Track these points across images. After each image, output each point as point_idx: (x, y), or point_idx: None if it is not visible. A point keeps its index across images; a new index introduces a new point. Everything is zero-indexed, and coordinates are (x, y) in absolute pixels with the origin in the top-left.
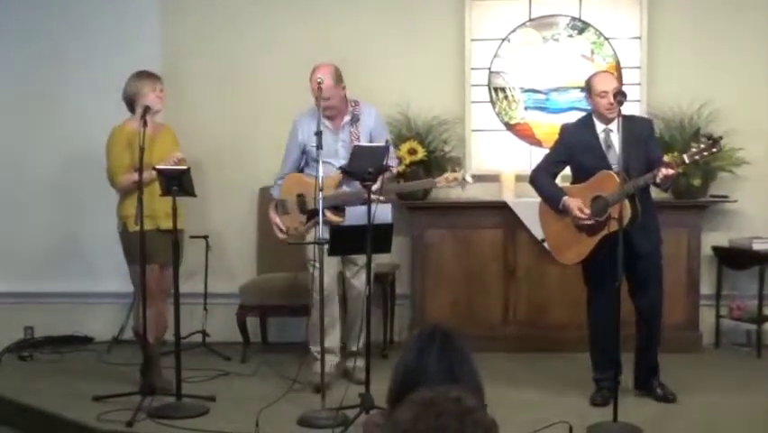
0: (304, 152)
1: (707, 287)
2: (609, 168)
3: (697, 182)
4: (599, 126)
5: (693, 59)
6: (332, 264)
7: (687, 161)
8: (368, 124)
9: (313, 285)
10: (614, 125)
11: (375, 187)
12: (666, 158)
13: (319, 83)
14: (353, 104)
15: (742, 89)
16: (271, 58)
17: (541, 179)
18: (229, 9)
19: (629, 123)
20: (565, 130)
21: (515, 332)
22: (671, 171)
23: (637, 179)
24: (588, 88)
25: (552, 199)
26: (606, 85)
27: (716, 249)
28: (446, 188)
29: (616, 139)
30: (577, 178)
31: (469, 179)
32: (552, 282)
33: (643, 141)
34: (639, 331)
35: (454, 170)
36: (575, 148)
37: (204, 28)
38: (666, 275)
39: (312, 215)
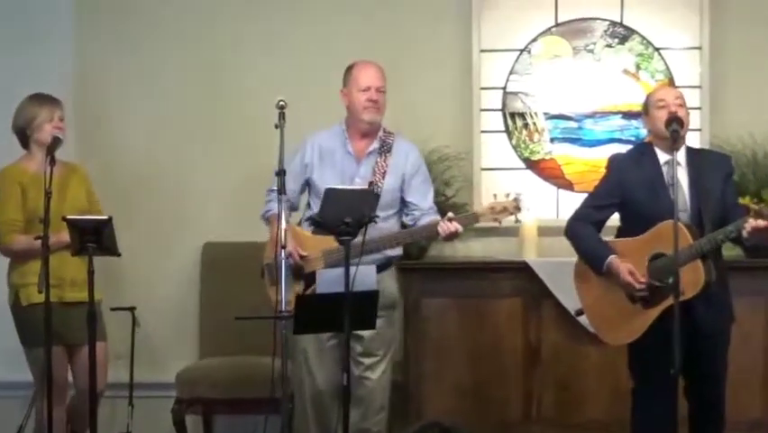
0: (308, 182)
1: None
2: (672, 213)
3: None
4: (662, 156)
5: None
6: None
7: None
8: (401, 163)
9: (302, 384)
10: (682, 156)
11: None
12: (752, 204)
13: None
14: (385, 132)
15: None
16: (227, 66)
17: (579, 230)
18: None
19: (700, 158)
20: (616, 161)
21: (539, 432)
22: (762, 223)
23: (716, 233)
24: (645, 106)
25: (593, 259)
26: (665, 93)
27: None
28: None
29: (684, 175)
30: (628, 226)
31: (522, 204)
32: (587, 367)
33: (718, 183)
34: None
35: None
36: (630, 185)
37: (137, 26)
38: (737, 357)
39: (310, 280)
